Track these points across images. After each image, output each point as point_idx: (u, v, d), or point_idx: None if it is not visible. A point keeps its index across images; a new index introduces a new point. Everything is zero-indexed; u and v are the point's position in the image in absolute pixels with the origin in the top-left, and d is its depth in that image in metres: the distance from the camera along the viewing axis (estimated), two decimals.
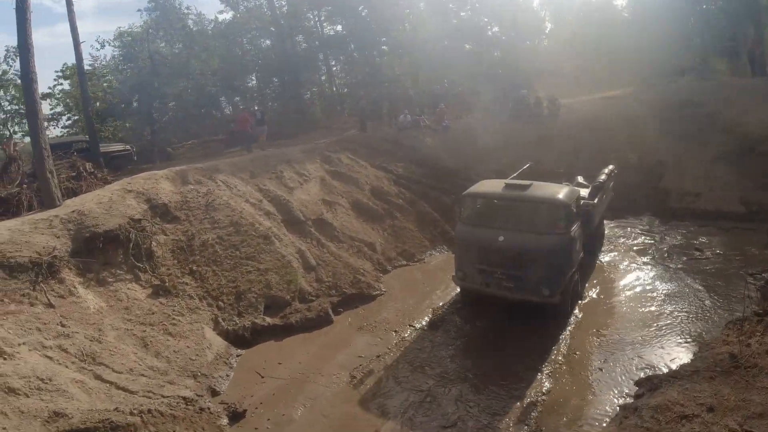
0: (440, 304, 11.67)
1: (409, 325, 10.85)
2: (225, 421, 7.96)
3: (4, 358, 7.06)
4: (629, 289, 11.73)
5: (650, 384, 7.22)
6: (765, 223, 14.17)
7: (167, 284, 10.83)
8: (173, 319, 10.27)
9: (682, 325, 9.87)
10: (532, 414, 7.71)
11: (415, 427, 7.65)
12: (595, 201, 11.99)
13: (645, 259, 13.39)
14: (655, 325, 9.96)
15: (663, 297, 11.14)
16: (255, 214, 13.29)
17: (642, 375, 8.06)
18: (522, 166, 14.70)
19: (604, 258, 13.72)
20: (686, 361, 7.82)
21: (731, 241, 14.02)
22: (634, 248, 14.36)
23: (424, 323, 10.90)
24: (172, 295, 10.77)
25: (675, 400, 6.24)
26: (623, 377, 8.36)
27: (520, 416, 7.68)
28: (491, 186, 11.27)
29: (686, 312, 10.33)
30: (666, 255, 13.57)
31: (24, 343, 7.62)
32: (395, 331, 10.67)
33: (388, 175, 17.84)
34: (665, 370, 7.99)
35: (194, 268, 11.46)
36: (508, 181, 11.31)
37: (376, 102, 26.04)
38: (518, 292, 9.89)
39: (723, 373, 6.53)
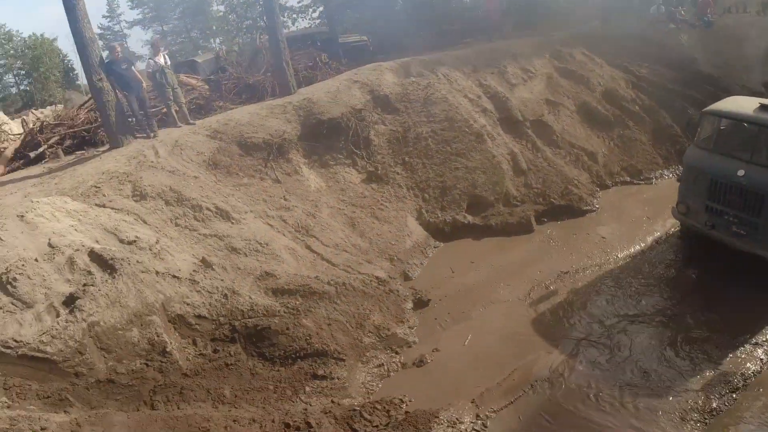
0: (656, 235, 10.25)
1: (613, 253, 9.84)
2: (410, 305, 8.48)
3: (232, 223, 8.43)
4: None
5: None
6: None
7: (380, 172, 11.50)
8: (381, 204, 10.99)
9: None
10: (726, 389, 6.49)
11: (586, 367, 7.08)
12: None
13: None
14: None
15: None
16: (471, 110, 13.00)
17: None
18: None
19: None
20: None
21: None
22: None
23: (630, 254, 9.76)
24: (383, 183, 11.44)
25: None
26: None
27: (709, 386, 6.53)
28: (743, 105, 8.84)
29: None
30: None
31: (251, 212, 8.96)
32: (595, 256, 9.79)
33: (627, 76, 15.67)
34: None
35: (406, 159, 11.88)
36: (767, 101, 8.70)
37: None
38: (750, 243, 8.01)
39: None
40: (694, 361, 6.99)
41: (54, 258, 6.85)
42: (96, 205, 8.30)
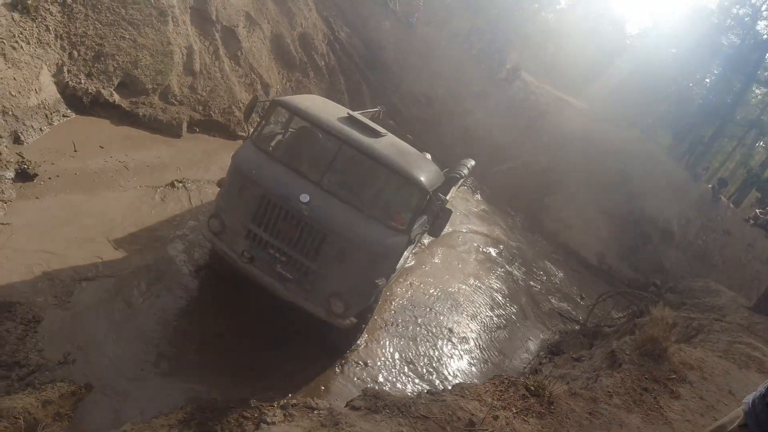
0: None
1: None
2: (10, 174, 7.38)
3: None
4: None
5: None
6: None
7: (30, 2, 9.42)
8: (16, 40, 9.07)
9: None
10: None
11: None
12: (448, 197, 8.28)
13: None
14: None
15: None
16: None
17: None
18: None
19: None
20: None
21: None
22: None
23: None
24: (29, 17, 9.41)
25: None
26: None
27: None
28: (327, 109, 6.75)
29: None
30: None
31: None
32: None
33: (328, 31, 16.63)
34: None
35: (69, 1, 10.04)
36: (354, 113, 6.86)
37: None
38: (294, 290, 6.08)
39: None
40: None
41: None
42: None
